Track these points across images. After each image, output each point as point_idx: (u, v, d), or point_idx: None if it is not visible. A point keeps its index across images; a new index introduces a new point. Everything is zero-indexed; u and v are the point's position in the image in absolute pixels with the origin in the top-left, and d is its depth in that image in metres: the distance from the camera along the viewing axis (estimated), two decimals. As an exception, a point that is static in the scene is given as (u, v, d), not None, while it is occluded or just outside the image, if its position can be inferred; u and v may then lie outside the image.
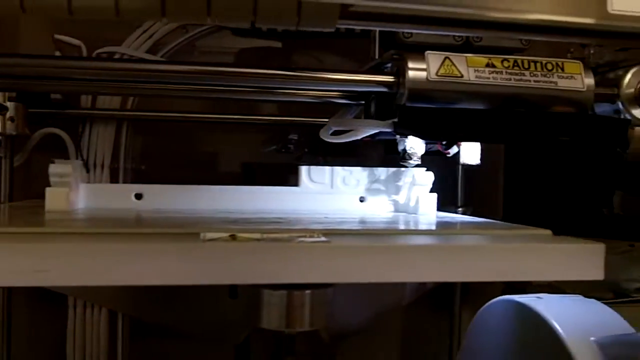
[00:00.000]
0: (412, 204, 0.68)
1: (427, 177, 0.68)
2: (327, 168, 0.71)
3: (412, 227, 0.58)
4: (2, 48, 0.87)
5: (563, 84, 0.56)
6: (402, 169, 0.70)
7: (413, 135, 0.60)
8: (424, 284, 0.87)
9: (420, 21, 0.37)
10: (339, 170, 0.71)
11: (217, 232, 0.46)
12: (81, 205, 0.68)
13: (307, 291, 0.52)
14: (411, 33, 0.55)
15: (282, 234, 0.46)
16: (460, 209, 0.93)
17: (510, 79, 0.54)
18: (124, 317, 0.88)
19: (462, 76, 0.53)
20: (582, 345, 0.56)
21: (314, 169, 0.70)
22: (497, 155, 0.98)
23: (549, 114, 0.57)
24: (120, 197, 0.68)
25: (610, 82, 0.61)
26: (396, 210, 0.72)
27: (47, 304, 0.90)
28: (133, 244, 0.42)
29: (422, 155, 0.65)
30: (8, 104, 0.80)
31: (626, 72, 0.61)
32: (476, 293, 0.97)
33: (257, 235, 0.46)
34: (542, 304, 0.62)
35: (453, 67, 0.53)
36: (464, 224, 0.64)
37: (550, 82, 0.55)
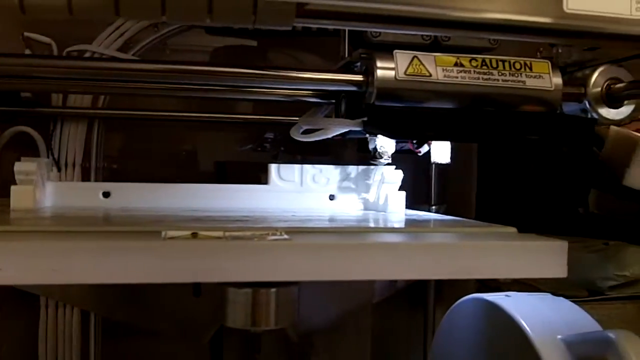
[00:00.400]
0: (381, 202, 0.68)
1: (396, 175, 0.68)
2: (297, 166, 0.71)
3: (378, 225, 0.58)
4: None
5: (531, 83, 0.56)
6: (372, 167, 0.70)
7: (382, 134, 0.60)
8: (394, 281, 0.88)
9: (376, 19, 0.37)
10: (309, 168, 0.71)
11: (178, 231, 0.45)
12: (48, 204, 0.67)
13: (273, 289, 0.52)
14: (379, 32, 0.55)
15: (244, 232, 0.46)
16: (433, 207, 0.93)
17: (478, 78, 0.55)
18: (97, 316, 0.87)
19: (430, 75, 0.53)
20: (549, 343, 0.56)
21: (284, 167, 0.70)
22: (470, 154, 0.98)
23: (516, 113, 0.57)
24: (88, 196, 0.68)
25: (578, 82, 0.62)
26: (366, 208, 0.72)
27: (19, 304, 0.89)
28: (92, 242, 0.42)
29: (394, 154, 0.66)
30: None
31: (593, 71, 0.62)
32: (450, 291, 0.98)
33: (219, 234, 0.45)
34: (510, 302, 0.63)
35: (421, 67, 0.53)
36: (430, 221, 0.64)
37: (519, 81, 0.56)
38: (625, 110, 0.63)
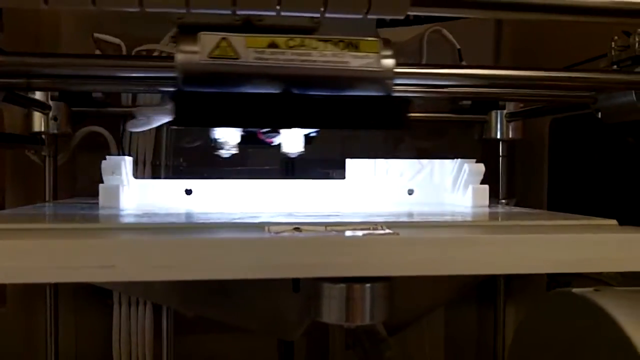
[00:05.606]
0: (463, 196, 0.67)
1: (478, 169, 0.66)
2: (371, 160, 0.70)
3: (478, 219, 0.57)
4: (43, 48, 0.88)
5: (356, 63, 0.51)
6: (451, 160, 0.69)
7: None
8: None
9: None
10: (382, 162, 0.70)
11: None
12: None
13: (367, 285, 0.51)
14: (183, 14, 0.49)
15: (344, 227, 0.46)
16: (503, 201, 0.92)
17: (294, 60, 0.50)
18: (169, 312, 0.88)
19: (239, 57, 0.49)
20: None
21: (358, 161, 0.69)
22: (541, 146, 0.95)
23: (323, 96, 0.52)
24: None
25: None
26: (445, 203, 0.71)
27: (92, 301, 0.91)
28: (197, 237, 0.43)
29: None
30: (51, 103, 0.80)
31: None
32: (519, 288, 0.96)
33: (321, 228, 0.46)
34: (602, 296, 0.61)
35: (229, 49, 0.49)
36: (529, 215, 0.63)
37: (341, 62, 0.50)
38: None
